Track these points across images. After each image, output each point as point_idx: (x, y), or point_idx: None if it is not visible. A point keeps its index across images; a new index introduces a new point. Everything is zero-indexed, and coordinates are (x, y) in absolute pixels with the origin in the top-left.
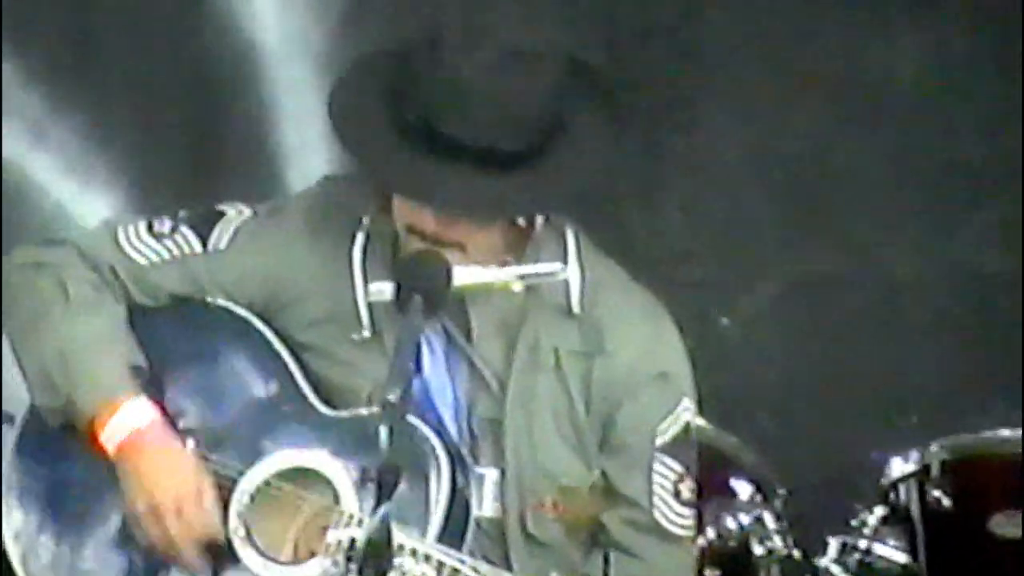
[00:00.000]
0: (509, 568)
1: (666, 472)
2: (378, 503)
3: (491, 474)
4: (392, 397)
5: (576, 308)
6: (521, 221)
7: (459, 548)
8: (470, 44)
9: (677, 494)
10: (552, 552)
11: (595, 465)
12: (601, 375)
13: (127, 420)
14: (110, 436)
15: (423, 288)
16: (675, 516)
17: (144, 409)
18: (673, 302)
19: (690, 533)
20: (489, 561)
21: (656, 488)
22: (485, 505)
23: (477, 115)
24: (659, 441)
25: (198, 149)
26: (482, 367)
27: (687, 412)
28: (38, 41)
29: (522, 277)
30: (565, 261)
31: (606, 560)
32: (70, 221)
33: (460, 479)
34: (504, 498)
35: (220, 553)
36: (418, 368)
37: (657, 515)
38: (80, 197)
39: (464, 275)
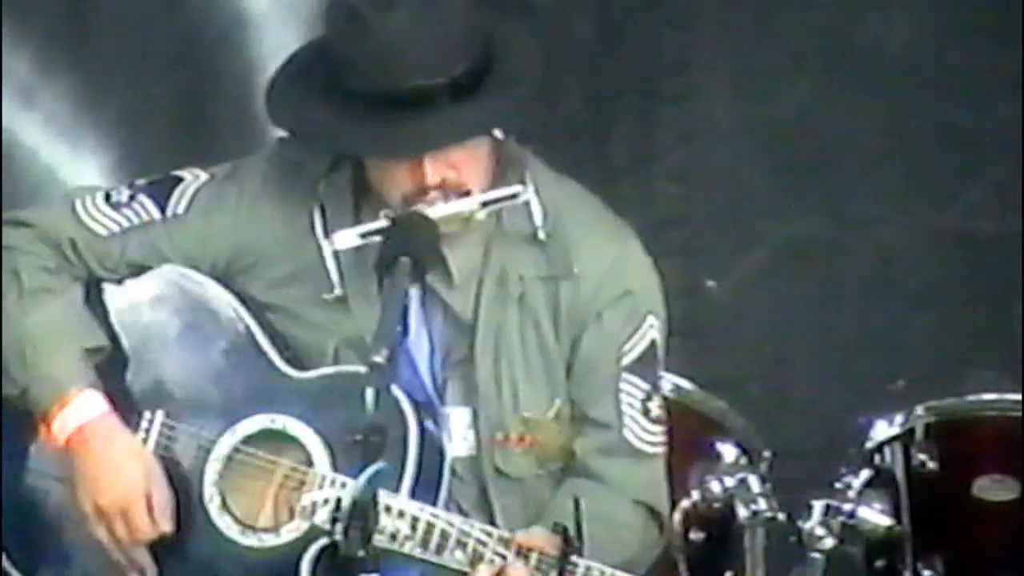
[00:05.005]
0: (485, 508)
1: (633, 391)
2: (364, 464)
3: (457, 413)
4: (379, 359)
5: (540, 232)
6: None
7: (435, 496)
8: (382, 3)
9: (646, 412)
10: (524, 487)
11: (562, 393)
12: (569, 299)
13: (75, 415)
14: (59, 430)
15: (413, 250)
16: (645, 434)
17: (93, 402)
18: (664, 268)
19: (661, 450)
20: (461, 509)
21: (625, 408)
22: (455, 445)
23: (411, 60)
24: (625, 360)
25: (188, 112)
26: (458, 310)
27: (652, 329)
28: (29, 4)
29: (484, 204)
30: (525, 185)
31: (577, 506)
32: (60, 185)
33: (429, 426)
34: (478, 436)
35: (170, 545)
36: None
37: (627, 434)
38: (71, 160)
39: (430, 212)
